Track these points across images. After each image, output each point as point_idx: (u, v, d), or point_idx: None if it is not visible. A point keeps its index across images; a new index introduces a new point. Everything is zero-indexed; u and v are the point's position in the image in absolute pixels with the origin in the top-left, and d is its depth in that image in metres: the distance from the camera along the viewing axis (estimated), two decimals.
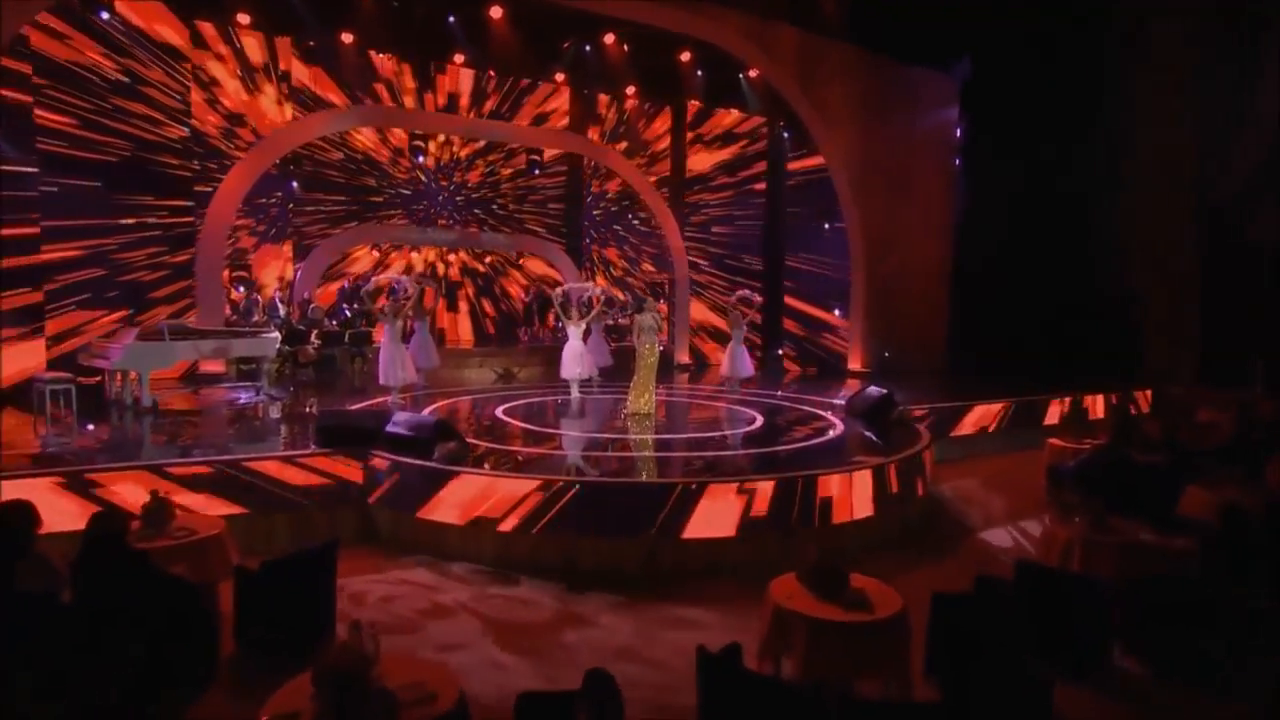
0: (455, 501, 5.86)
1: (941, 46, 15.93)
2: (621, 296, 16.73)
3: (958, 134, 16.72)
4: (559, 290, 12.10)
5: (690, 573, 5.58)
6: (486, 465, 6.39)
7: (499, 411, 9.37)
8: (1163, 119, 14.66)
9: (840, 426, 8.46)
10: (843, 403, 10.56)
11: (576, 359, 10.84)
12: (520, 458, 6.92)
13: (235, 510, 5.96)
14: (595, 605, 5.12)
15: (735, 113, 17.12)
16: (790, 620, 3.59)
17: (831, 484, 6.01)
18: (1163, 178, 14.69)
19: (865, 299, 15.86)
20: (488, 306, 18.54)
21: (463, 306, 18.18)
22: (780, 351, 16.79)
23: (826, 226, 15.99)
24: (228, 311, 13.61)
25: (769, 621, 3.75)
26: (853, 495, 6.08)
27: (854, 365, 16.07)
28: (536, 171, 16.48)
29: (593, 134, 17.81)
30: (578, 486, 5.69)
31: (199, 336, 9.43)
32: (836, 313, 16.18)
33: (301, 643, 3.96)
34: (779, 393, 12.16)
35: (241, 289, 14.97)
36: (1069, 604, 4.26)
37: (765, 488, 5.80)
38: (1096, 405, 12.64)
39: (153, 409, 8.48)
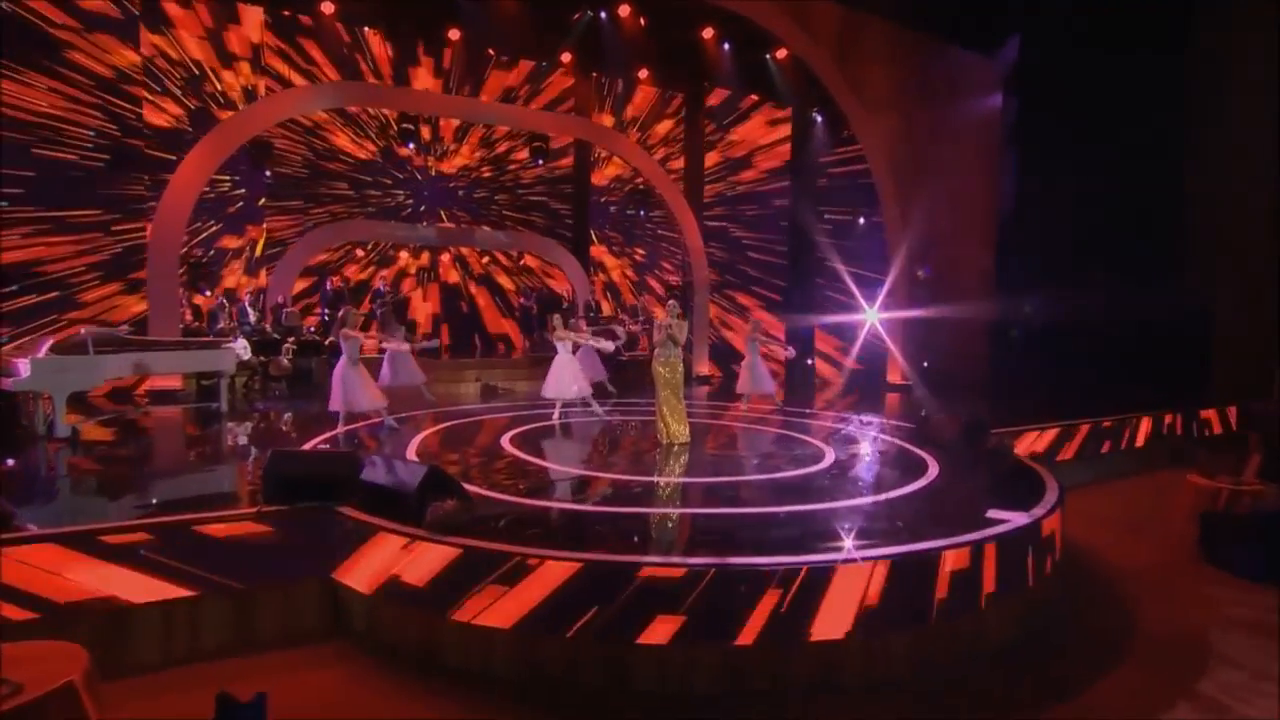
0: (431, 580, 4.19)
1: (987, 25, 14.38)
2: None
3: (1002, 125, 15.14)
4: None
5: (786, 692, 3.94)
6: (499, 528, 4.73)
7: (505, 442, 7.70)
8: (1240, 111, 13.10)
9: (933, 465, 6.79)
10: (913, 425, 8.98)
11: (570, 377, 9.13)
12: (552, 517, 5.22)
13: (159, 592, 4.27)
14: None
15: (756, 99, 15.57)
16: None
17: (960, 558, 4.35)
18: (1238, 176, 13.10)
19: (905, 303, 14.31)
20: (487, 311, 16.84)
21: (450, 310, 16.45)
22: (811, 361, 15.18)
23: (861, 221, 14.45)
24: (189, 318, 11.87)
25: None
26: (985, 572, 4.44)
27: (893, 377, 14.51)
28: (540, 163, 14.81)
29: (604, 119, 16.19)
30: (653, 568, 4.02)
31: (137, 348, 7.69)
32: (873, 318, 14.61)
33: None
34: (812, 410, 10.55)
35: (207, 292, 13.24)
36: None
37: (884, 566, 4.16)
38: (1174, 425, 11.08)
39: (70, 440, 6.76)
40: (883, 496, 5.67)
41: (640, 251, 18.18)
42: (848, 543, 4.50)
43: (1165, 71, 13.64)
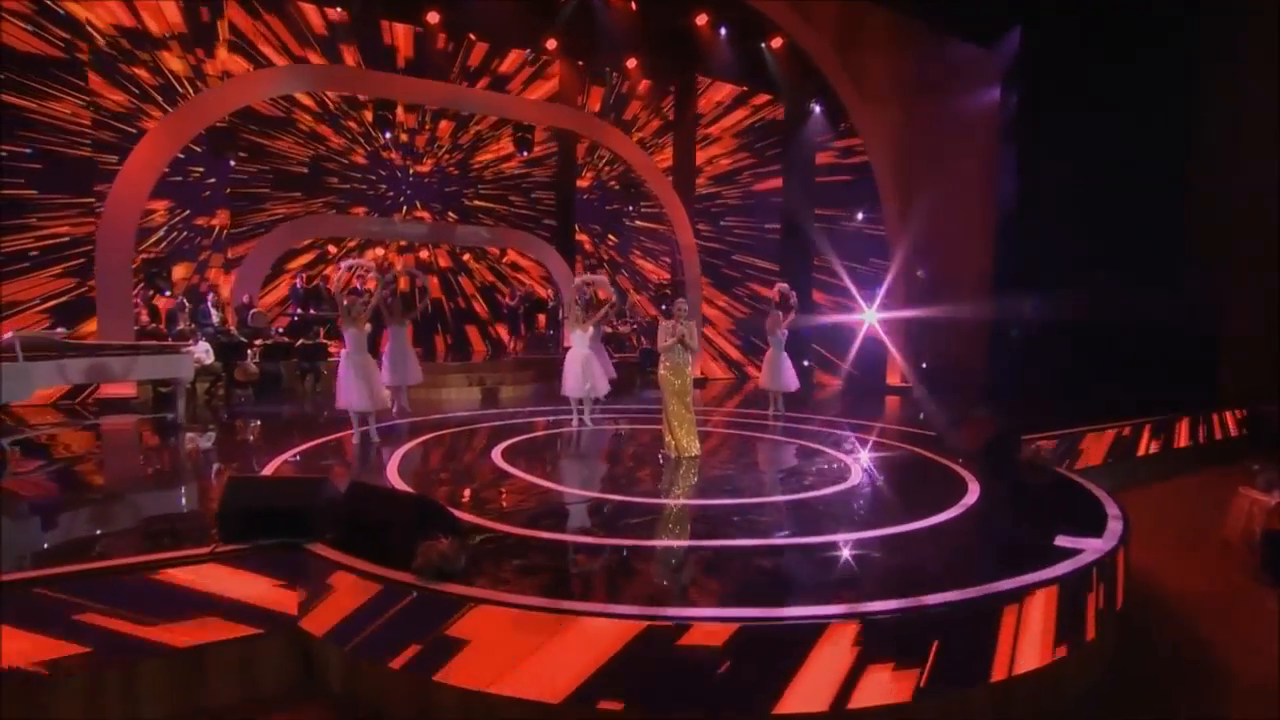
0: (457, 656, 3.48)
1: (987, 17, 13.91)
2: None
3: (1002, 120, 14.67)
4: (578, 280, 9.78)
5: None
6: (507, 576, 4.01)
7: (496, 456, 6.96)
8: (1249, 105, 12.74)
9: (971, 481, 6.18)
10: (932, 434, 8.42)
11: (584, 372, 8.52)
12: (576, 559, 4.50)
13: (83, 656, 3.51)
14: None
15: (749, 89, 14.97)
16: None
17: (1033, 609, 3.70)
18: (1248, 172, 12.74)
19: (905, 302, 13.79)
20: (473, 310, 16.03)
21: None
22: (806, 363, 14.60)
23: (860, 217, 13.90)
24: (145, 319, 10.94)
25: None
26: (1043, 624, 3.78)
27: (892, 380, 14.00)
28: (525, 154, 14.04)
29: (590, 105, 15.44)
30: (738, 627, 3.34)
31: (77, 353, 6.82)
32: (871, 319, 14.09)
33: None
34: (820, 416, 9.96)
35: (167, 292, 12.29)
36: None
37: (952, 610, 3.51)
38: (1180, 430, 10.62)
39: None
40: (927, 522, 5.04)
41: (636, 251, 17.49)
42: (889, 586, 3.84)
43: (1168, 65, 13.27)
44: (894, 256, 13.67)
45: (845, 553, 4.42)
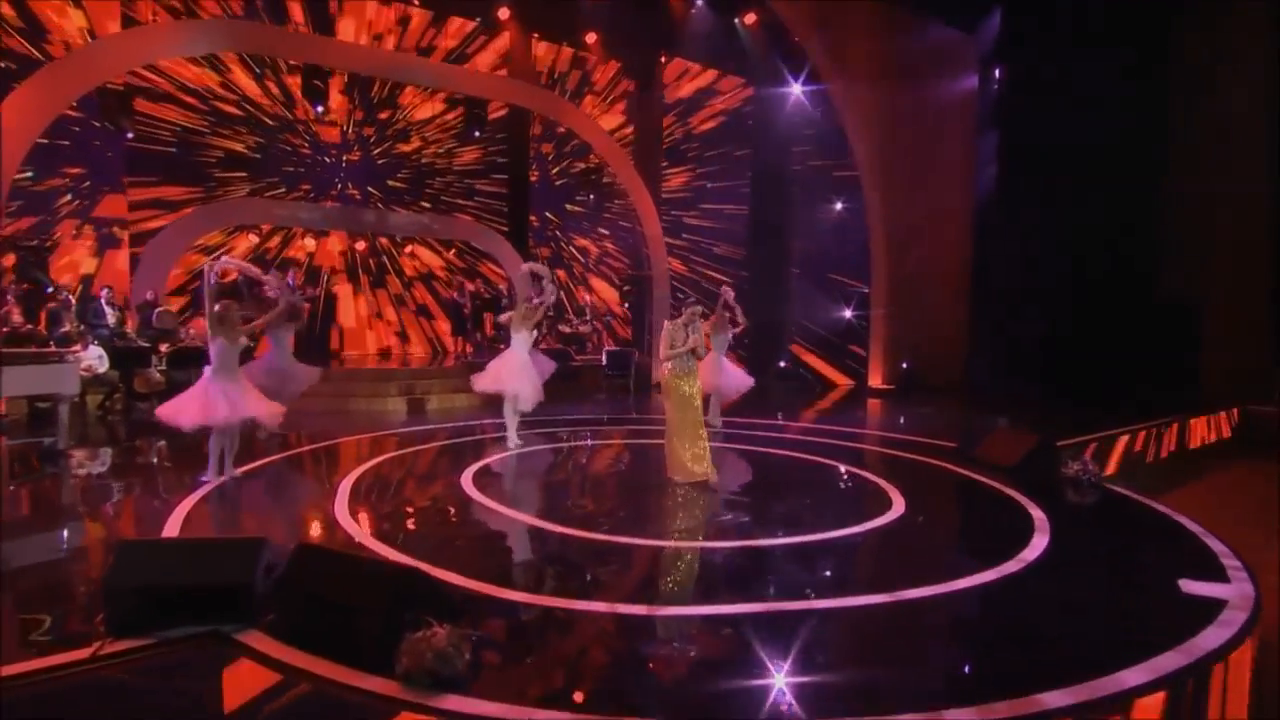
0: None
1: (969, 1, 13.30)
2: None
3: (980, 107, 14.12)
4: (524, 268, 8.46)
5: None
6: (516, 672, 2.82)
7: (466, 483, 5.69)
8: (1234, 96, 12.42)
9: (1040, 518, 5.22)
10: (955, 445, 7.58)
11: (525, 378, 7.19)
12: (604, 638, 3.28)
13: None
14: None
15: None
16: None
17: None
18: (1231, 165, 12.42)
19: (886, 300, 13.07)
20: (405, 309, 14.46)
21: (364, 306, 13.98)
22: (783, 364, 13.71)
23: (839, 207, 13.06)
24: (17, 319, 9.07)
25: None
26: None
27: (874, 382, 13.24)
28: (477, 134, 12.58)
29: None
30: None
31: None
32: (849, 316, 13.31)
33: None
34: (817, 423, 9.03)
35: (49, 286, 10.36)
36: None
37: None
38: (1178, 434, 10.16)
39: None
40: (999, 572, 4.02)
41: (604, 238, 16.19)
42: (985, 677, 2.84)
43: (1150, 54, 12.91)
44: (874, 251, 12.91)
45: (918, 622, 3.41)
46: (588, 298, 15.00)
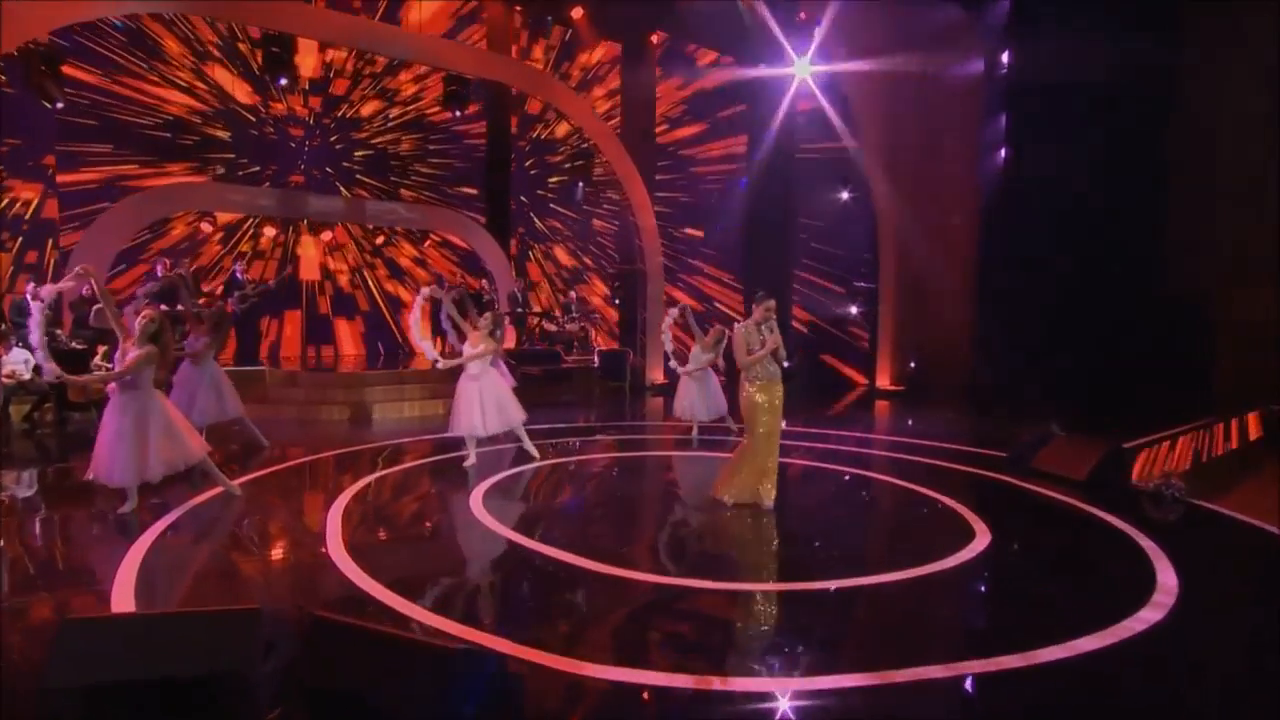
0: None
1: None
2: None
3: (989, 92, 13.49)
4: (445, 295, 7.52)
5: None
6: None
7: (478, 508, 4.76)
8: (1241, 78, 12.00)
9: (1143, 540, 4.48)
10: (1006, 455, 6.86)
11: (475, 411, 6.10)
12: None
13: None
14: None
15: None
16: None
17: None
18: (1254, 157, 11.94)
19: (894, 297, 12.40)
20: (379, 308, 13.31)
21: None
22: (788, 364, 12.92)
23: (845, 196, 12.35)
24: None
25: None
26: None
27: (882, 383, 12.56)
28: (458, 114, 11.48)
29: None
30: None
31: None
32: (854, 313, 12.63)
33: None
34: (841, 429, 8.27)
35: None
36: None
37: None
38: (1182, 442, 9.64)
39: None
40: (1152, 615, 3.27)
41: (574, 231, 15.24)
42: None
43: (1161, 38, 12.44)
44: (882, 245, 12.23)
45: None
46: (573, 294, 14.02)
